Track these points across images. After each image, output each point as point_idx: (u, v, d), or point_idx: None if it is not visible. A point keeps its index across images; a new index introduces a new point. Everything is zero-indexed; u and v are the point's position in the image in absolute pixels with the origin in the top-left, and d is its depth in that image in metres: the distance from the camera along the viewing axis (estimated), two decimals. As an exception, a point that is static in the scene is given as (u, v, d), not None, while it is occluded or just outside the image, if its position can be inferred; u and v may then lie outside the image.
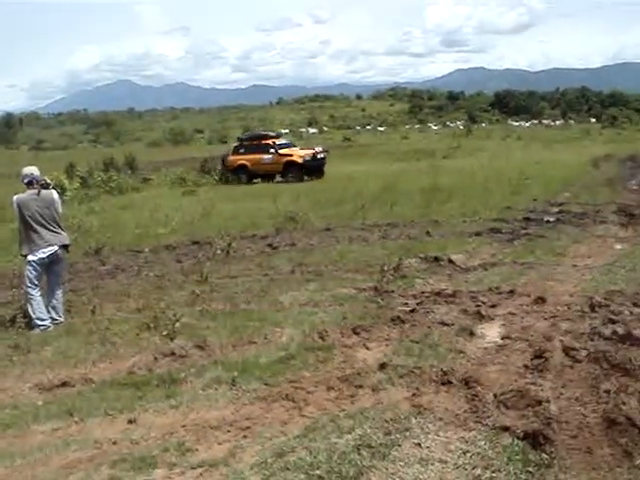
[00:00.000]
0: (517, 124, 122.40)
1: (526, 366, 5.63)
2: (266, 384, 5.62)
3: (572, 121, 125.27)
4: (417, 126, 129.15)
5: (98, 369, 6.41)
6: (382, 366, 5.79)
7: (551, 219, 13.81)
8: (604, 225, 13.04)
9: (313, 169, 32.28)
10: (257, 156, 32.62)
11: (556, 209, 15.45)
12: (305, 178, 31.54)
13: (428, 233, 12.70)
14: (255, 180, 32.73)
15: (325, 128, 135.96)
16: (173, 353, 6.62)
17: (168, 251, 13.01)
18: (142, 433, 4.88)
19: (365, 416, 4.85)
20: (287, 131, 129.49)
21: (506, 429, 4.56)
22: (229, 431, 4.83)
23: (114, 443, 4.76)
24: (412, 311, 7.47)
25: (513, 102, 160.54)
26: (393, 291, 8.48)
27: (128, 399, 5.52)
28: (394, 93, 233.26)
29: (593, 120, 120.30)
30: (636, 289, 8.00)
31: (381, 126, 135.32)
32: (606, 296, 7.62)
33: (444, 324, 6.93)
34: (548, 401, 4.89)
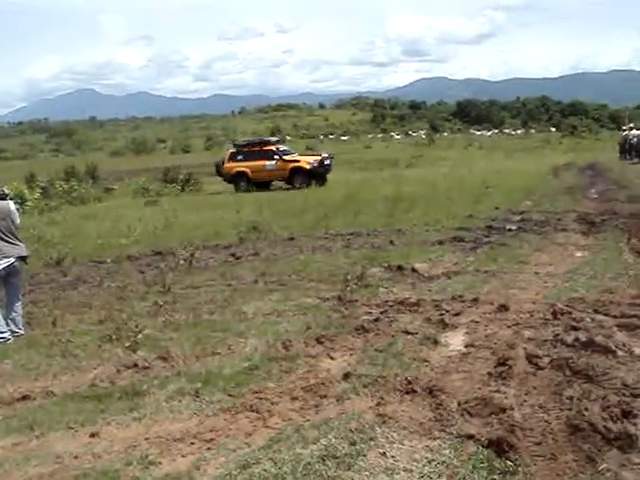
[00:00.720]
0: (479, 133, 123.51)
1: (490, 374, 5.65)
2: (230, 395, 5.58)
3: (533, 130, 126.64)
4: (380, 135, 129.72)
5: (59, 382, 6.33)
6: (346, 376, 5.77)
7: (513, 227, 13.90)
8: (565, 233, 13.15)
9: (317, 176, 31.60)
10: (259, 163, 31.97)
11: (518, 217, 15.56)
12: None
13: (391, 242, 12.72)
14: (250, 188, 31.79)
15: (288, 137, 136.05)
16: (136, 365, 6.55)
17: (130, 262, 12.92)
18: (105, 447, 4.82)
19: (330, 426, 4.83)
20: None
21: (471, 437, 4.56)
22: (193, 443, 4.78)
23: (76, 457, 4.69)
24: (376, 320, 7.46)
25: (474, 111, 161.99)
26: (357, 300, 8.47)
27: (90, 412, 5.44)
28: (357, 102, 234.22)
29: (553, 129, 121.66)
30: (597, 296, 8.08)
31: (344, 135, 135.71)
32: (568, 303, 7.68)
33: (408, 333, 6.93)
34: (512, 408, 4.91)
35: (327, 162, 32.40)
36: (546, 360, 5.87)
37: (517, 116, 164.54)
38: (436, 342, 6.63)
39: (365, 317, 7.65)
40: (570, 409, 4.84)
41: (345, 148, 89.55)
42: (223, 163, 33.29)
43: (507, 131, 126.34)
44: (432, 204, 18.17)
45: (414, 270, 10.07)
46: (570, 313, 7.23)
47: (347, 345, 6.73)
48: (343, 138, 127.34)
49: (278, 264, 11.45)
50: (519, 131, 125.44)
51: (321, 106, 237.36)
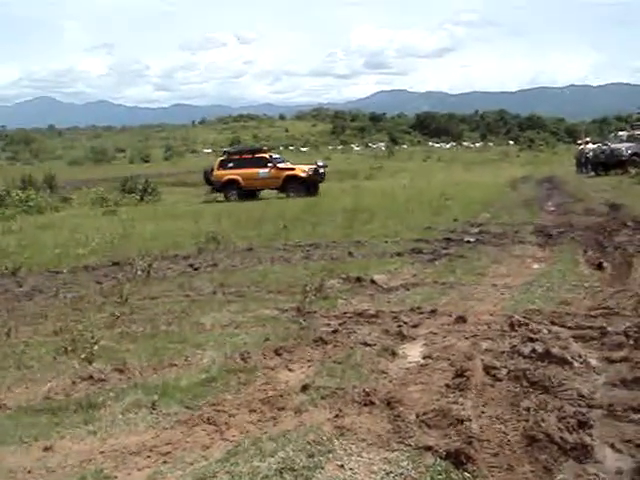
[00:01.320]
0: (438, 146, 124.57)
1: (447, 385, 5.65)
2: (187, 407, 5.51)
3: (491, 143, 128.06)
4: (340, 147, 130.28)
5: (13, 394, 6.20)
6: (304, 388, 5.74)
7: (471, 239, 14.01)
8: (522, 245, 13.27)
9: (313, 184, 31.64)
10: (251, 170, 31.73)
11: (476, 229, 15.69)
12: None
13: (350, 254, 12.73)
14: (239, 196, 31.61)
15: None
16: (91, 377, 6.44)
17: (88, 272, 12.75)
18: (59, 461, 4.73)
19: (288, 439, 4.80)
20: (210, 150, 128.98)
21: (429, 449, 4.56)
22: (149, 457, 4.71)
23: (29, 472, 4.59)
24: (334, 332, 7.43)
25: (434, 124, 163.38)
26: (315, 312, 8.44)
27: (44, 425, 5.34)
28: (317, 114, 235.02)
29: (511, 142, 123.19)
30: (553, 308, 8.16)
31: (304, 147, 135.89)
32: (525, 315, 7.72)
33: (366, 344, 6.91)
34: (470, 420, 4.92)
35: (321, 171, 32.43)
36: (503, 371, 5.90)
37: (476, 129, 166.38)
38: (394, 354, 6.62)
39: (323, 329, 7.62)
40: (527, 420, 4.87)
41: (305, 159, 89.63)
42: (212, 171, 33.01)
43: (466, 144, 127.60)
44: (391, 216, 18.24)
45: (373, 282, 10.09)
46: (527, 324, 7.27)
47: (305, 357, 6.70)
48: (303, 149, 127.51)
49: (237, 275, 11.40)
50: (478, 144, 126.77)
51: (281, 117, 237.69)
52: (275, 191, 32.78)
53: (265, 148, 36.00)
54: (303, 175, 31.40)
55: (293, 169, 32.05)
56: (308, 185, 31.34)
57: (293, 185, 31.22)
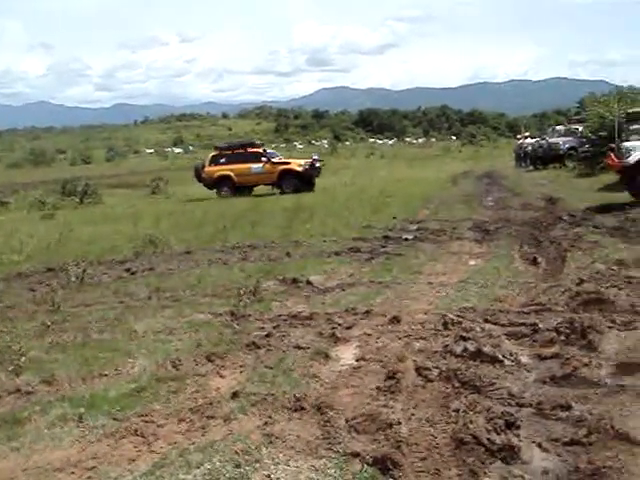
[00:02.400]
0: (381, 142, 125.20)
1: (379, 388, 5.61)
2: (115, 419, 5.39)
3: (433, 139, 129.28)
4: (283, 145, 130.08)
5: None
6: (235, 394, 5.65)
7: (409, 237, 14.01)
8: (460, 242, 13.34)
9: (309, 179, 30.88)
10: (244, 166, 30.89)
11: (415, 227, 15.72)
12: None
13: (288, 254, 12.63)
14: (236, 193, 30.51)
15: (191, 147, 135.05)
16: (18, 390, 6.26)
17: (21, 279, 12.45)
18: (-21, 481, 4.59)
19: (215, 449, 4.71)
20: (152, 151, 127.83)
21: (356, 455, 4.52)
22: (73, 472, 4.59)
23: (-55, 496, 4.46)
24: (268, 335, 7.35)
25: (377, 120, 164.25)
26: (250, 315, 8.33)
27: (-33, 443, 5.18)
28: (260, 112, 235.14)
29: (453, 138, 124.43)
30: (487, 305, 8.20)
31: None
32: (459, 313, 7.74)
33: (299, 348, 6.84)
34: (399, 423, 4.89)
35: (317, 165, 31.74)
36: (435, 372, 5.89)
37: (418, 125, 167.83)
38: (327, 357, 6.56)
39: (257, 333, 7.52)
40: (456, 422, 4.86)
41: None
42: (203, 167, 32.13)
43: (409, 140, 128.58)
44: (331, 214, 18.20)
45: (309, 282, 10.01)
46: (460, 323, 7.29)
47: (238, 362, 6.61)
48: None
49: (173, 279, 11.24)
50: (420, 140, 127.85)
51: (224, 116, 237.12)
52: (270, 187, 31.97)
53: (258, 142, 35.26)
54: (299, 169, 30.70)
55: (288, 163, 31.36)
56: (304, 180, 30.64)
57: (288, 180, 30.55)
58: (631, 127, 20.18)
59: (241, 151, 31.74)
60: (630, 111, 21.77)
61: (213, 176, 31.35)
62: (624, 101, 28.87)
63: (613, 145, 20.30)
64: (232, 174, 30.99)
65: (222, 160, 31.55)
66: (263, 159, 31.03)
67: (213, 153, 32.90)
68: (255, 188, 31.98)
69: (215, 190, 31.62)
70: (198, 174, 32.36)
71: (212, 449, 4.72)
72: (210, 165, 31.80)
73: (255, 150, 31.65)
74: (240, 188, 30.93)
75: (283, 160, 31.80)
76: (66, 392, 6.15)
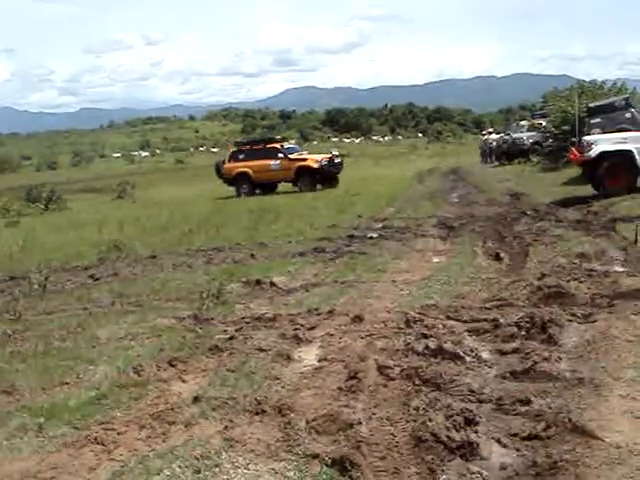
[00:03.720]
0: (348, 141, 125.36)
1: (340, 388, 5.61)
2: (75, 428, 5.33)
3: (400, 137, 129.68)
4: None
5: None
6: (196, 399, 5.62)
7: (374, 235, 14.03)
8: (424, 239, 13.38)
9: (328, 176, 29.65)
10: (262, 162, 29.63)
11: (380, 225, 15.75)
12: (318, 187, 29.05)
13: (252, 256, 12.58)
14: (257, 191, 29.97)
15: (158, 151, 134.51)
16: (-23, 401, 6.22)
17: (-18, 288, 12.31)
18: None
19: (175, 455, 4.68)
20: (119, 155, 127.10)
21: (316, 456, 4.51)
22: (32, 484, 4.56)
23: None
24: (231, 338, 7.31)
25: (343, 119, 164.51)
26: (213, 318, 8.29)
27: None
28: (227, 113, 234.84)
29: (420, 135, 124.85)
30: (449, 302, 8.23)
31: (214, 147, 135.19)
32: (421, 311, 7.76)
33: (262, 350, 6.81)
34: (359, 423, 4.89)
35: (337, 161, 30.42)
36: (397, 370, 5.90)
37: (385, 123, 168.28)
38: (289, 358, 6.55)
39: (220, 336, 7.49)
40: (416, 420, 4.87)
41: (215, 160, 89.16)
42: (223, 163, 31.36)
43: (375, 138, 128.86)
44: (296, 215, 18.21)
45: (273, 284, 9.98)
46: (422, 321, 7.31)
47: (200, 366, 6.57)
48: (214, 150, 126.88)
49: (137, 284, 11.15)
50: (387, 137, 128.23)
51: (191, 118, 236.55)
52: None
53: (278, 137, 34.25)
54: (315, 166, 29.18)
55: (305, 160, 29.80)
56: (323, 177, 29.49)
57: (305, 177, 29.19)
58: (592, 121, 20.31)
59: (260, 147, 30.57)
60: (591, 105, 21.92)
61: (232, 173, 30.49)
62: (585, 95, 29.14)
63: (575, 139, 20.51)
64: (250, 171, 29.97)
65: (241, 156, 30.65)
66: (280, 155, 29.75)
67: (232, 149, 32.28)
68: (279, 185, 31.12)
69: (235, 188, 30.78)
70: (219, 171, 31.57)
71: (172, 455, 4.69)
72: (229, 161, 30.97)
73: (273, 146, 30.37)
74: (260, 185, 30.23)
75: (300, 156, 30.36)
76: (26, 402, 6.07)
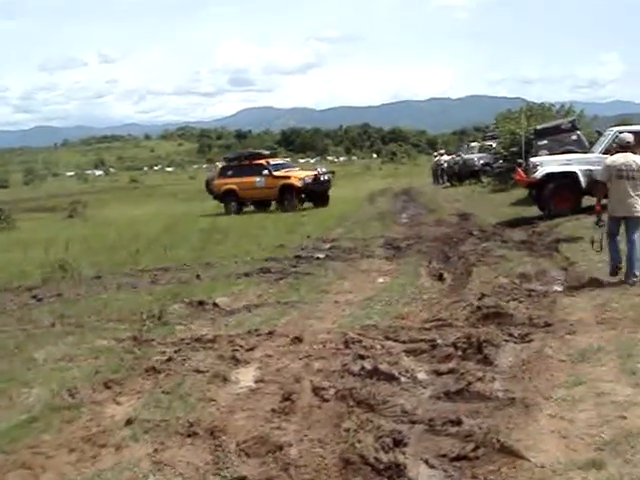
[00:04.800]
0: (303, 161, 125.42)
1: (274, 410, 5.60)
2: (2, 452, 5.25)
3: (355, 157, 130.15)
4: (205, 166, 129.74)
5: None
6: (128, 422, 5.57)
7: (321, 256, 14.03)
8: (371, 259, 13.40)
9: (315, 194, 27.93)
10: (248, 179, 27.94)
11: (328, 245, 15.75)
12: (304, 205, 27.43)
13: (198, 276, 12.49)
14: (251, 207, 28.69)
15: (112, 170, 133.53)
16: None
17: None
18: None
19: (103, 478, 4.64)
20: (72, 173, 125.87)
21: (243, 479, 4.50)
22: (-45, 510, 4.47)
23: None
24: (168, 360, 7.25)
25: (299, 140, 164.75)
26: (153, 340, 8.22)
27: None
28: (183, 133, 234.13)
29: (375, 155, 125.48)
30: (389, 322, 8.26)
31: (169, 166, 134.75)
32: (360, 331, 7.78)
33: (199, 372, 6.77)
34: (290, 445, 4.89)
35: (324, 178, 28.40)
36: (331, 392, 5.91)
37: (340, 143, 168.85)
38: (225, 380, 6.51)
39: (158, 357, 7.42)
40: (346, 441, 4.87)
41: (170, 179, 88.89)
42: (213, 179, 29.87)
43: (330, 158, 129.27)
44: (245, 235, 18.15)
45: (215, 305, 9.93)
46: (361, 341, 7.32)
47: (136, 388, 6.51)
48: (168, 169, 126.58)
49: (79, 305, 11.01)
50: (342, 158, 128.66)
51: (147, 137, 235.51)
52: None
53: (265, 152, 31.71)
54: (298, 184, 27.30)
55: (288, 177, 27.80)
56: (309, 195, 27.96)
57: (288, 196, 27.33)
58: (539, 143, 20.69)
59: (246, 163, 29.02)
60: (538, 127, 22.33)
61: (220, 189, 28.95)
62: (534, 117, 29.57)
63: (521, 161, 20.80)
64: (237, 188, 28.37)
65: (229, 172, 29.21)
66: (264, 172, 28.07)
67: (222, 165, 31.42)
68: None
69: (223, 205, 29.14)
70: (209, 187, 30.22)
71: (100, 479, 4.64)
72: (219, 178, 29.51)
73: (259, 162, 28.71)
74: (253, 202, 29.07)
75: (284, 174, 28.27)
76: (-43, 428, 5.95)
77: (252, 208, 29.16)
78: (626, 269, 9.41)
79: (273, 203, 28.63)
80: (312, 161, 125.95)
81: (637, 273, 9.28)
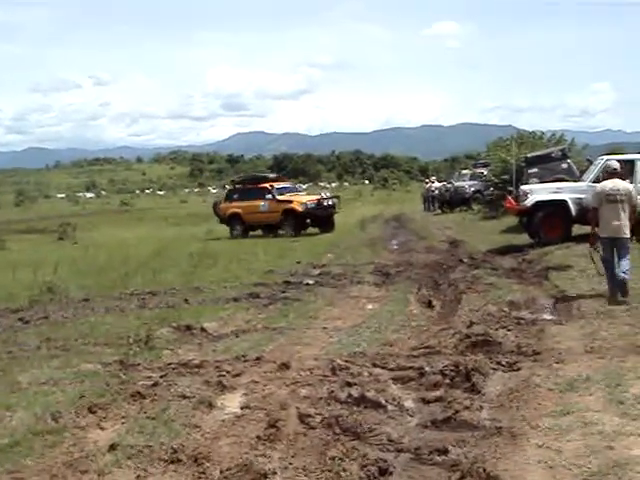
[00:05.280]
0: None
1: (259, 437, 5.55)
2: (-17, 477, 5.19)
3: (347, 183, 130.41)
4: (197, 190, 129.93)
5: None
6: (112, 447, 5.49)
7: (310, 281, 13.99)
8: (360, 286, 13.37)
9: (319, 220, 27.24)
10: (252, 203, 27.29)
11: (317, 271, 15.71)
12: (305, 231, 26.92)
13: (186, 301, 12.41)
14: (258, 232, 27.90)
15: (103, 192, 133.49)
16: None
17: None
18: None
19: (83, 505, 4.58)
20: (64, 195, 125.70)
21: (226, 507, 4.45)
22: None
23: None
24: (154, 385, 7.17)
25: (291, 165, 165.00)
26: (139, 364, 8.13)
27: None
28: (175, 156, 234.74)
29: (367, 182, 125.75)
30: (377, 349, 8.22)
31: (161, 190, 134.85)
32: (348, 358, 7.74)
33: (184, 397, 6.69)
34: (274, 473, 4.83)
35: (328, 203, 27.79)
36: (318, 419, 5.86)
37: (332, 169, 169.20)
38: (211, 405, 6.45)
39: (143, 382, 7.34)
40: (331, 470, 4.82)
41: (161, 203, 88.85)
42: (220, 203, 29.24)
43: (322, 184, 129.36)
44: (235, 260, 18.07)
45: (203, 329, 9.86)
46: (348, 368, 7.29)
47: (120, 413, 6.43)
48: (160, 192, 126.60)
49: (66, 328, 10.89)
50: (334, 184, 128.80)
51: (139, 160, 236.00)
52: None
53: (271, 175, 31.13)
54: (299, 209, 26.50)
55: (291, 202, 26.97)
56: (313, 221, 27.31)
57: (289, 221, 26.57)
58: (530, 171, 20.76)
59: (252, 186, 28.52)
60: (529, 155, 22.41)
61: (226, 213, 28.37)
62: (525, 145, 29.74)
63: (511, 188, 20.88)
64: (241, 212, 27.77)
65: (235, 196, 28.66)
66: (268, 196, 27.32)
67: (229, 188, 30.77)
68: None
69: (229, 229, 28.57)
70: (216, 211, 29.46)
71: (81, 505, 4.57)
72: (225, 201, 28.97)
73: (264, 185, 28.06)
74: (260, 226, 28.20)
75: (287, 198, 27.46)
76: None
77: (260, 232, 28.54)
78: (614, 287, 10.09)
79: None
80: (304, 187, 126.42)
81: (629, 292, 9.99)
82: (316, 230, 27.68)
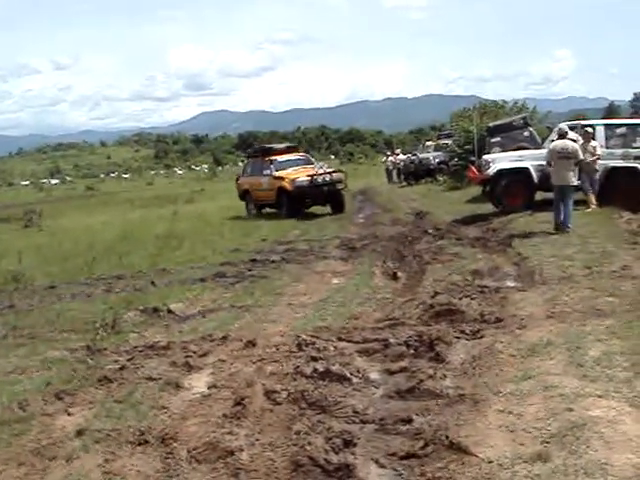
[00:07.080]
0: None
1: (225, 415, 5.59)
2: (-51, 467, 5.18)
3: (313, 159, 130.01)
4: (162, 171, 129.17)
5: None
6: (79, 433, 5.52)
7: (276, 258, 14.00)
8: (326, 261, 13.37)
9: (315, 198, 22.93)
10: (257, 179, 24.15)
11: (283, 248, 15.71)
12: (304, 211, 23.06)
13: (153, 283, 12.34)
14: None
15: (68, 178, 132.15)
16: None
17: None
18: None
19: (51, 492, 4.60)
20: (27, 182, 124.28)
21: (193, 486, 4.50)
22: None
23: None
24: (121, 369, 7.18)
25: (256, 143, 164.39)
26: (106, 349, 8.12)
27: None
28: (139, 139, 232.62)
29: (332, 157, 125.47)
30: (343, 323, 8.28)
31: (126, 173, 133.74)
32: (313, 333, 7.79)
33: (151, 379, 6.72)
34: (241, 450, 4.88)
35: (325, 179, 22.75)
36: (284, 395, 5.91)
37: (298, 145, 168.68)
38: (178, 386, 6.48)
39: (110, 366, 7.35)
40: (296, 444, 4.88)
41: (127, 186, 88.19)
42: (238, 178, 26.35)
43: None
44: (201, 240, 17.98)
45: (170, 311, 9.84)
46: (314, 343, 7.34)
47: (87, 398, 6.43)
48: (125, 176, 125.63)
49: (32, 316, 10.81)
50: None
51: (102, 144, 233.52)
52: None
53: (280, 146, 26.30)
54: (289, 187, 22.32)
55: (283, 179, 22.71)
56: (310, 199, 22.88)
57: (283, 200, 22.81)
58: (492, 140, 20.86)
59: (260, 159, 24.86)
60: (491, 125, 22.52)
61: (240, 190, 25.66)
62: (487, 115, 29.88)
63: (474, 158, 20.99)
64: (249, 188, 24.80)
65: (248, 170, 25.70)
66: (266, 171, 23.71)
67: (245, 160, 27.97)
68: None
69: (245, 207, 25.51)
70: (237, 186, 26.33)
71: (49, 492, 4.60)
72: (242, 175, 26.07)
73: (267, 159, 24.14)
74: (270, 206, 24.25)
75: (284, 174, 23.00)
76: None
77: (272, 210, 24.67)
78: (562, 223, 13.18)
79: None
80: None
81: (570, 226, 13.12)
82: (325, 210, 23.86)
